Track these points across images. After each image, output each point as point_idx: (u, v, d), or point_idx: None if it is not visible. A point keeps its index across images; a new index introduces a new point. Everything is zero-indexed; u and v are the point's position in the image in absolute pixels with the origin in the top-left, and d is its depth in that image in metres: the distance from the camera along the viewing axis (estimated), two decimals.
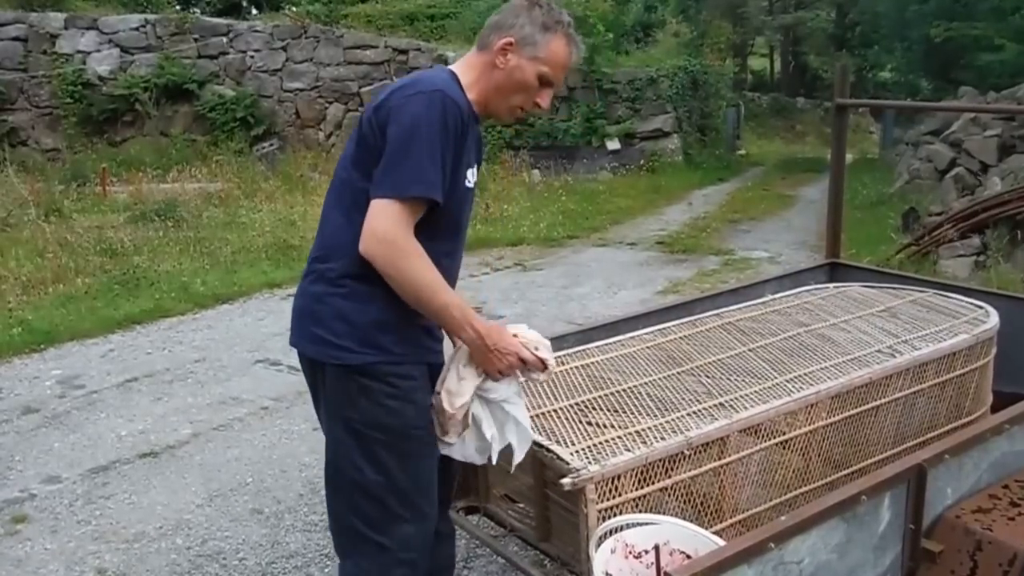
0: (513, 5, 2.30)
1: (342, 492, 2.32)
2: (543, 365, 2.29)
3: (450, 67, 2.33)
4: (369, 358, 2.20)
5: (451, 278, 2.31)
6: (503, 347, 2.21)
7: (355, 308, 2.21)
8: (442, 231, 2.23)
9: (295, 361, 5.46)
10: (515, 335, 2.29)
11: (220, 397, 5.37)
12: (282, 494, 4.12)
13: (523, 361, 2.26)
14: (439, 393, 2.29)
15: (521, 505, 3.05)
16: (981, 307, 3.49)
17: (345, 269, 2.20)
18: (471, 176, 2.29)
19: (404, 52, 16.25)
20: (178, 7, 17.89)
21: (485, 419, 2.32)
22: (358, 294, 2.20)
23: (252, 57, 16.33)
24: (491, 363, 2.22)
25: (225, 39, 16.36)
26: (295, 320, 2.36)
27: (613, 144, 15.96)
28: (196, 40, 16.34)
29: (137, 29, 16.24)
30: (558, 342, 3.49)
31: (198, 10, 18.77)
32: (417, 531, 2.33)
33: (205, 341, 6.49)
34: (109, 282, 7.84)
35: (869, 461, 2.98)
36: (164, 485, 4.26)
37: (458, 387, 2.27)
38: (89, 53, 15.98)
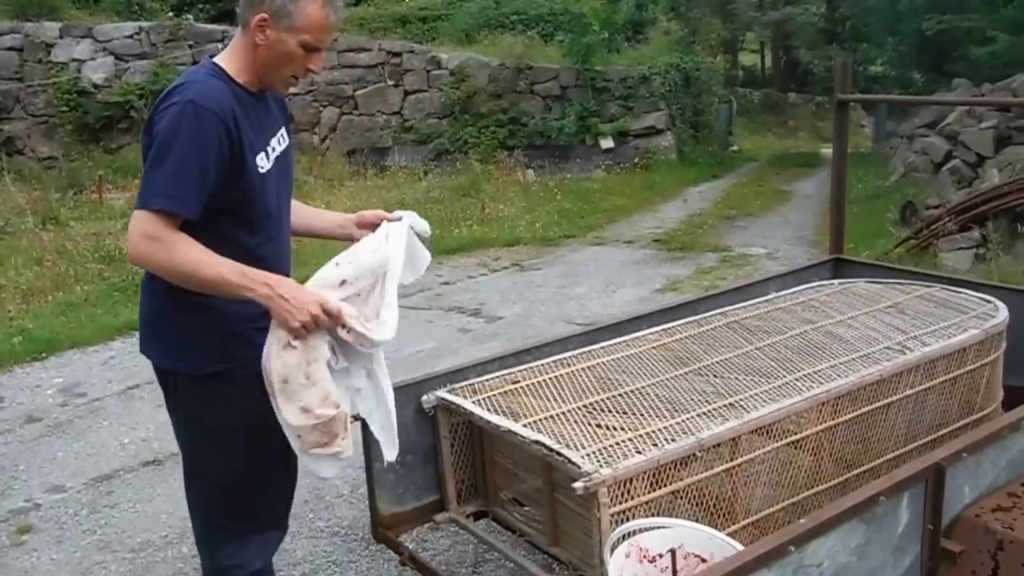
0: None
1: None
2: (343, 321, 2.14)
3: (215, 58, 2.31)
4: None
5: (281, 263, 2.36)
6: (300, 299, 2.12)
7: (188, 319, 2.28)
8: (253, 221, 2.28)
9: None
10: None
11: None
12: None
13: (329, 313, 2.13)
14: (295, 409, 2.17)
15: (529, 509, 3.03)
16: (990, 301, 3.48)
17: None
18: (262, 160, 2.27)
19: (398, 54, 16.24)
20: (171, 14, 17.86)
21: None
22: (187, 305, 2.24)
23: None
24: (290, 318, 2.11)
25: (219, 45, 16.22)
26: (142, 328, 2.49)
27: (607, 142, 15.95)
28: (190, 47, 16.35)
29: (131, 37, 16.25)
30: (562, 344, 3.49)
31: (191, 17, 18.75)
32: (273, 517, 2.50)
33: None
34: (108, 289, 7.83)
35: (881, 460, 2.97)
36: (168, 493, 4.24)
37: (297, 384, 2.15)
38: (84, 61, 16.01)
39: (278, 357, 2.15)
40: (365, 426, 2.96)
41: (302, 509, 4.00)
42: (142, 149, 2.28)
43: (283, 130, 2.42)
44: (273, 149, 2.33)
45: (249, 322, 2.26)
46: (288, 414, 2.17)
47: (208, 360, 2.31)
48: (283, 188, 2.40)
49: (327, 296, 2.15)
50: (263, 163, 2.28)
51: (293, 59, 2.25)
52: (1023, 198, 7.84)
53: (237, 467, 2.39)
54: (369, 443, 2.98)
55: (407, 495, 3.10)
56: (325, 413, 2.17)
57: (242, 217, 2.25)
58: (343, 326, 2.16)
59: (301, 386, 2.15)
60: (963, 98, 12.54)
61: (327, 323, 2.14)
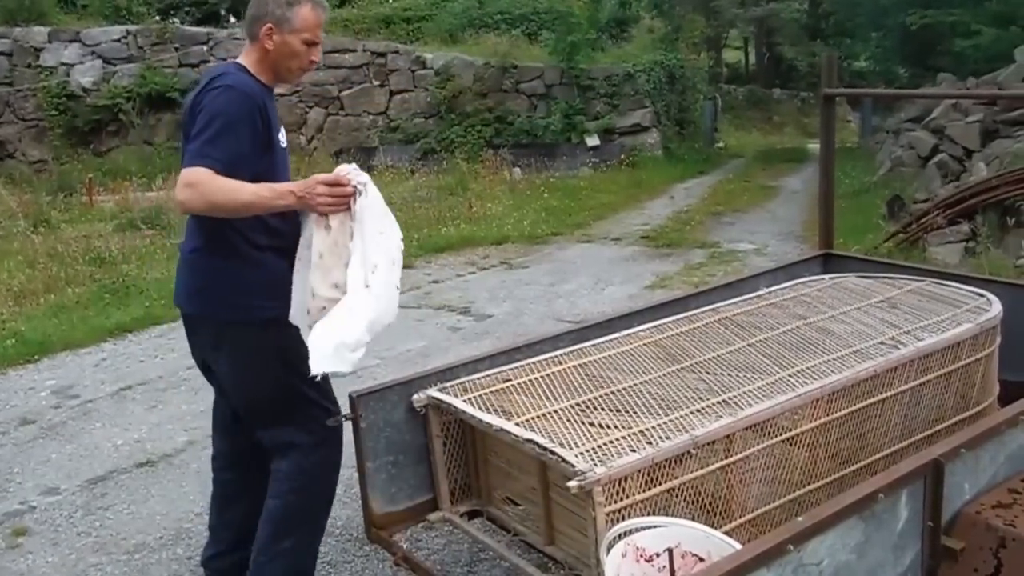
0: (259, 1, 2.79)
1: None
2: (345, 182, 2.59)
3: (237, 60, 2.83)
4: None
5: (286, 233, 2.74)
6: (308, 186, 2.57)
7: (238, 274, 2.78)
8: None
9: None
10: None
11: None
12: None
13: (328, 184, 2.57)
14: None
15: (523, 507, 3.01)
16: (982, 295, 3.47)
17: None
18: (282, 137, 2.85)
19: (382, 55, 16.22)
20: (158, 17, 17.89)
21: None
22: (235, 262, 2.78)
23: None
24: (313, 204, 2.56)
25: (205, 47, 16.33)
26: (185, 289, 2.90)
27: (593, 140, 15.96)
28: (177, 49, 16.41)
29: (119, 40, 16.30)
30: (553, 341, 3.47)
31: (178, 20, 18.78)
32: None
33: None
34: (99, 291, 7.81)
35: (878, 456, 2.96)
36: (162, 494, 4.22)
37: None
38: (73, 65, 16.09)
39: (318, 237, 2.59)
40: (356, 427, 2.95)
41: None
42: (183, 128, 2.76)
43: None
44: (283, 133, 2.88)
45: (285, 274, 2.71)
46: (319, 285, 2.57)
47: (258, 307, 2.76)
48: (287, 170, 2.92)
49: (316, 176, 2.62)
50: (283, 140, 2.85)
51: (298, 55, 2.79)
52: (1012, 191, 7.85)
53: (282, 383, 2.83)
54: (361, 443, 2.96)
55: (400, 495, 3.08)
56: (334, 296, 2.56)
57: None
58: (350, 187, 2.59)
59: (333, 263, 2.57)
60: (948, 92, 12.60)
61: (339, 191, 2.58)
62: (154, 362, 6.14)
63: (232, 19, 22.53)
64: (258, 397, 2.87)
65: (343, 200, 2.58)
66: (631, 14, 20.73)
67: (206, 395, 5.42)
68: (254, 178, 2.59)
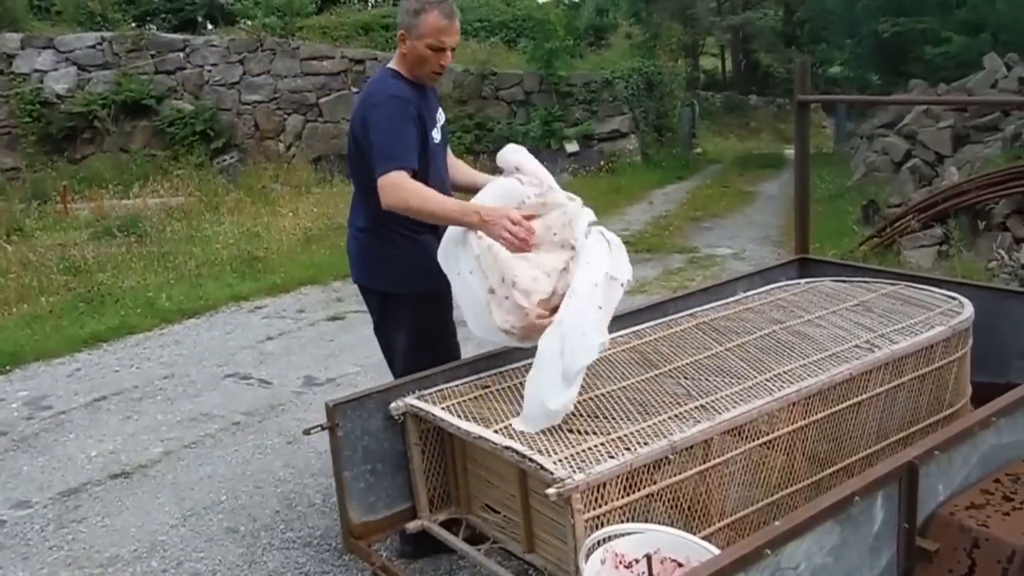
0: (399, 9, 3.16)
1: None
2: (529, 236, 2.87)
3: (390, 65, 3.22)
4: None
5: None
6: (496, 216, 2.85)
7: (400, 255, 3.28)
8: (426, 182, 3.06)
9: (265, 374, 5.50)
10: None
11: (190, 413, 5.28)
12: (258, 511, 4.05)
13: (514, 223, 2.84)
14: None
15: (503, 515, 3.01)
16: (955, 298, 3.51)
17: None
18: (435, 133, 3.21)
19: (361, 62, 16.18)
20: (134, 24, 17.75)
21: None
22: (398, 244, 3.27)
23: (209, 71, 16.22)
24: (493, 232, 2.84)
25: (182, 54, 16.23)
26: (359, 266, 3.40)
27: (572, 146, 15.99)
28: (153, 56, 16.25)
29: (94, 47, 16.13)
30: (532, 349, 3.46)
31: (154, 26, 18.67)
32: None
33: (173, 357, 6.38)
34: (74, 300, 7.72)
35: (854, 458, 2.98)
36: (137, 506, 4.18)
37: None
38: (46, 72, 15.88)
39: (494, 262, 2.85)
40: (333, 436, 2.94)
41: (272, 519, 3.95)
42: (353, 132, 3.22)
43: (439, 111, 3.34)
44: (439, 128, 3.26)
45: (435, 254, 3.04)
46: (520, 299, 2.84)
47: (409, 282, 3.25)
48: (444, 156, 3.35)
49: (509, 212, 2.88)
50: (435, 135, 3.22)
51: (426, 59, 3.10)
52: (982, 196, 7.94)
53: (428, 345, 3.35)
54: (339, 452, 2.95)
55: (378, 503, 3.07)
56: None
57: (422, 180, 3.03)
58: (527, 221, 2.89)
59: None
60: (920, 98, 12.74)
61: (519, 230, 2.84)
62: (129, 372, 6.09)
63: (209, 26, 22.43)
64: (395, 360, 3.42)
65: (520, 247, 2.85)
66: (609, 21, 20.86)
67: (182, 405, 5.43)
68: (413, 174, 3.00)
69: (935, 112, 11.23)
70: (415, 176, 3.00)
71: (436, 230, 3.11)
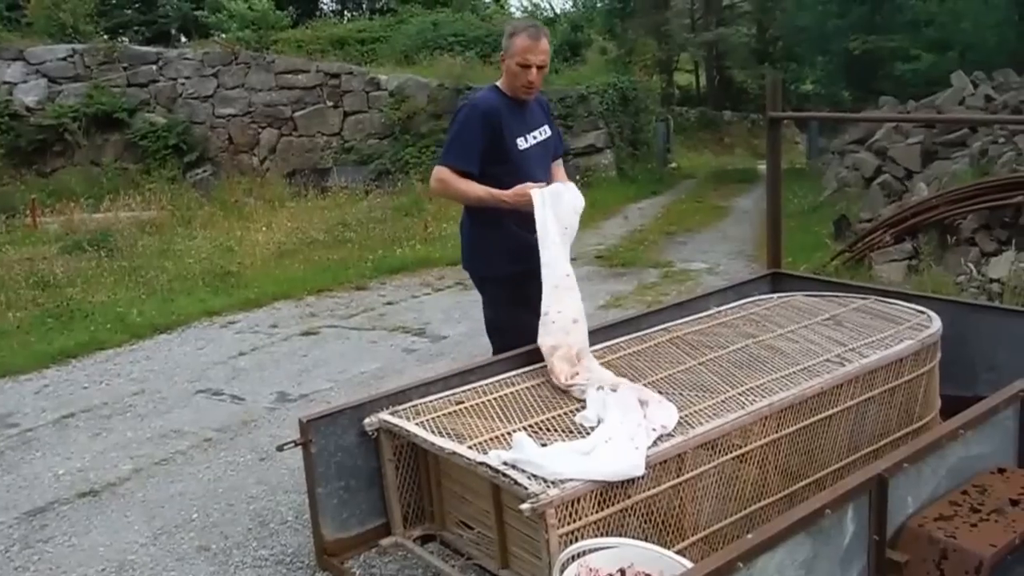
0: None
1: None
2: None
3: (496, 83, 3.74)
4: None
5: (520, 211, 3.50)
6: (517, 193, 3.44)
7: (488, 242, 3.77)
8: (513, 184, 3.49)
9: (238, 390, 5.47)
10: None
11: (161, 430, 5.21)
12: (229, 529, 4.00)
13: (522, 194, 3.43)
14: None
15: (477, 531, 3.00)
16: (923, 312, 3.55)
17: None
18: (522, 142, 3.64)
19: (336, 76, 16.15)
20: (106, 36, 17.61)
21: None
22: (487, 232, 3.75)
23: (183, 84, 16.13)
24: (520, 205, 3.43)
25: (155, 67, 16.14)
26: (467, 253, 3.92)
27: None
28: (125, 69, 16.12)
29: (65, 59, 15.99)
30: (505, 363, 3.48)
31: (127, 39, 18.54)
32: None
33: (143, 373, 6.30)
34: (42, 315, 7.60)
35: (826, 471, 3.00)
36: (106, 525, 4.11)
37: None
38: (16, 84, 15.71)
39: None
40: (307, 452, 2.92)
41: (245, 537, 3.91)
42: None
43: (545, 125, 3.80)
44: (534, 137, 3.70)
45: (524, 240, 3.49)
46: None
47: (499, 266, 3.70)
48: (543, 163, 3.75)
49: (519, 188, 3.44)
50: (522, 143, 3.63)
51: (517, 75, 3.57)
52: (951, 211, 8.04)
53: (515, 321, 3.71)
54: (312, 468, 2.94)
55: (352, 520, 3.05)
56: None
57: (508, 183, 3.49)
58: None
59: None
60: (890, 115, 12.90)
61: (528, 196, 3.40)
62: (99, 388, 6.01)
63: (183, 39, 22.31)
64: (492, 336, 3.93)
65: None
66: (584, 37, 20.95)
67: (152, 421, 5.37)
68: (485, 175, 3.50)
69: (905, 128, 11.37)
70: (463, 175, 3.52)
71: (521, 223, 3.51)
